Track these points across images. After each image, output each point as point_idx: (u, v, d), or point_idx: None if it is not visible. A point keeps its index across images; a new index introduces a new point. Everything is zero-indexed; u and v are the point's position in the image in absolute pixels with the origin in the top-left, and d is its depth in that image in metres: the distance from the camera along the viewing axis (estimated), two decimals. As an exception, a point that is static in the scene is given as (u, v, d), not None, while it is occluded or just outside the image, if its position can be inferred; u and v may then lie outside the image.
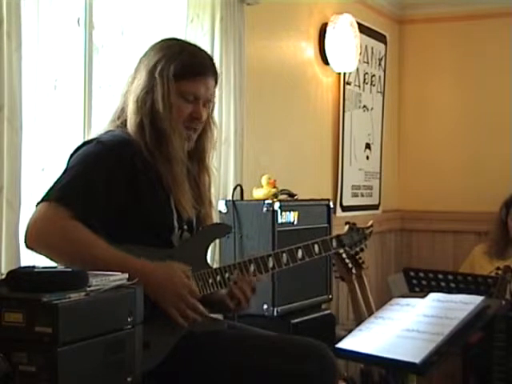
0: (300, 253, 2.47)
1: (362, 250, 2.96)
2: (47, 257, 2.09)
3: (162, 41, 2.38)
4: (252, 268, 2.36)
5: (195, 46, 2.42)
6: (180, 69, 2.27)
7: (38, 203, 2.11)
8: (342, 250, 2.78)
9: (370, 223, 2.82)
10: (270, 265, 2.40)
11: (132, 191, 2.18)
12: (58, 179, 2.16)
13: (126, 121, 2.29)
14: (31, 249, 2.09)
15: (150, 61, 2.29)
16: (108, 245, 2.08)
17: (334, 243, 2.62)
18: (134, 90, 2.29)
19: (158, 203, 2.25)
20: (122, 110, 2.32)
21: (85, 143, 2.27)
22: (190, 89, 2.28)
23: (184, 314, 2.14)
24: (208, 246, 2.44)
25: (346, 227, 2.77)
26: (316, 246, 2.52)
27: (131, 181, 2.18)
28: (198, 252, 2.35)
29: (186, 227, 2.34)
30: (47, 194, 2.12)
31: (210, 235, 2.46)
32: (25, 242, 2.09)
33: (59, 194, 2.09)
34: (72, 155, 2.25)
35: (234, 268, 2.34)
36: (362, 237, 2.78)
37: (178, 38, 2.56)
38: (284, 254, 2.44)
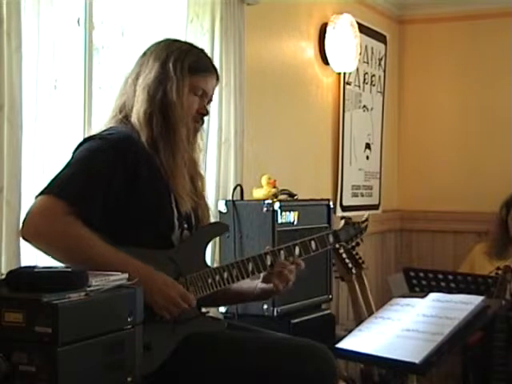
0: (297, 250, 2.47)
1: (357, 244, 2.96)
2: (42, 250, 2.09)
3: (166, 39, 2.42)
4: (250, 267, 2.36)
5: (195, 46, 2.47)
6: (194, 63, 2.32)
7: (38, 196, 2.10)
8: (338, 246, 2.78)
9: (365, 217, 2.82)
10: (268, 263, 2.40)
11: (133, 188, 2.18)
12: (59, 173, 2.15)
13: (128, 115, 2.30)
14: (27, 241, 2.08)
15: (160, 54, 2.32)
16: (106, 244, 2.08)
17: (331, 238, 2.62)
18: (142, 81, 2.30)
19: (159, 201, 2.25)
20: (124, 104, 2.33)
21: (87, 139, 2.27)
22: (201, 84, 2.34)
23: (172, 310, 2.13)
24: (206, 245, 2.44)
25: (342, 222, 2.77)
26: (313, 243, 2.52)
27: (132, 177, 2.18)
28: (197, 252, 2.35)
29: (185, 225, 2.34)
30: (47, 187, 2.11)
31: (207, 235, 2.47)
32: (21, 234, 2.08)
33: (60, 189, 2.08)
34: (75, 151, 2.24)
35: (232, 267, 2.34)
36: (357, 231, 2.78)
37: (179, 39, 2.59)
38: (282, 252, 2.44)
